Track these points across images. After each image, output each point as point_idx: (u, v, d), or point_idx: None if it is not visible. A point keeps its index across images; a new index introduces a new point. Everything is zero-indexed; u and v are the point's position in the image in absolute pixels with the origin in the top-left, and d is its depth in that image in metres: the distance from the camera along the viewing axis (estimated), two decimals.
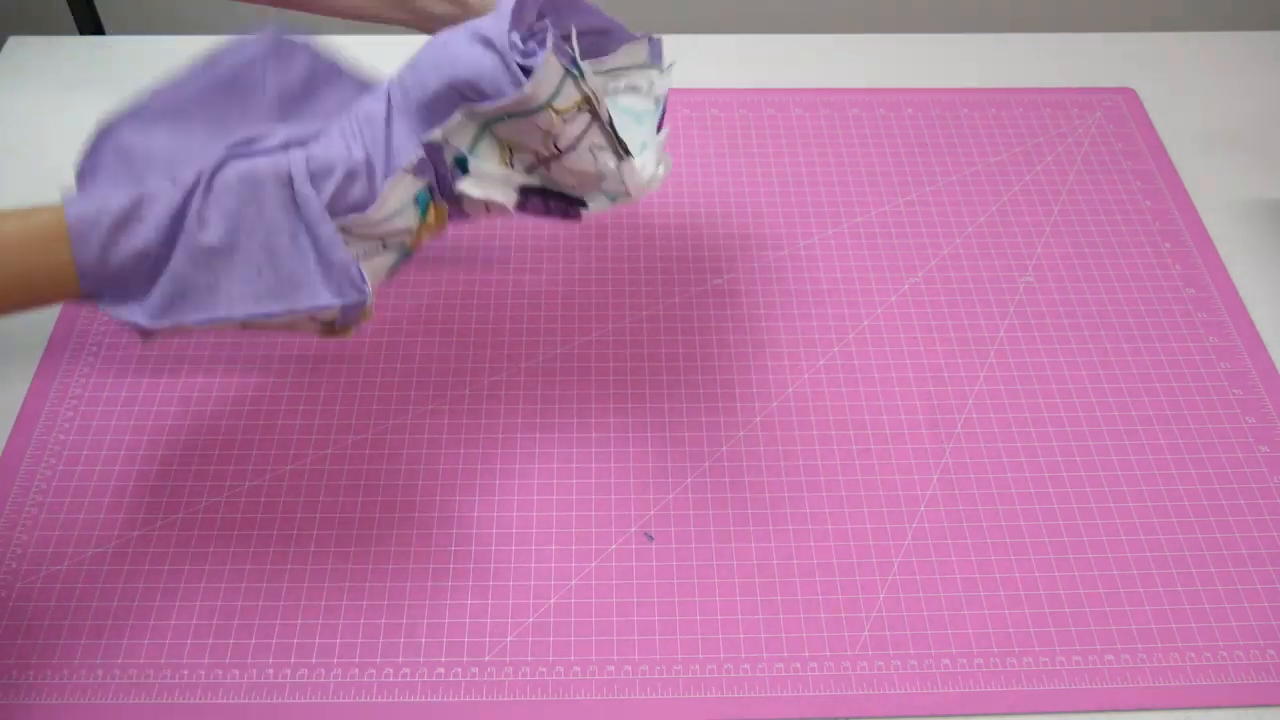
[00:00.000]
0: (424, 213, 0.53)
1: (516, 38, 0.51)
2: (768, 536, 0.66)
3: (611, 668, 0.60)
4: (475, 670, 0.60)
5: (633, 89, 0.59)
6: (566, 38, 0.55)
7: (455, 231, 0.81)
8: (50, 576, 0.63)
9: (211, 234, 0.49)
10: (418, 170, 0.51)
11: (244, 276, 0.50)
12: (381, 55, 0.98)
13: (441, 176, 0.53)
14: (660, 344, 0.75)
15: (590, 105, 0.52)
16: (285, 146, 0.51)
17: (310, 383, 0.72)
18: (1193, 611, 0.63)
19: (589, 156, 0.54)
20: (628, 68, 0.60)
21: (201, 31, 0.95)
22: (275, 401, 0.71)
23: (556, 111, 0.51)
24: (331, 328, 0.53)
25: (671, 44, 0.98)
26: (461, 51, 0.51)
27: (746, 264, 0.80)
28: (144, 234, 0.49)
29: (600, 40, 0.58)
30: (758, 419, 0.71)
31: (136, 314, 0.50)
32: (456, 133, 0.52)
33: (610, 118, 0.53)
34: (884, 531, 0.66)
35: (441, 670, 0.60)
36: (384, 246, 0.53)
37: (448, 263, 0.79)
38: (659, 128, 0.59)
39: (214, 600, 0.62)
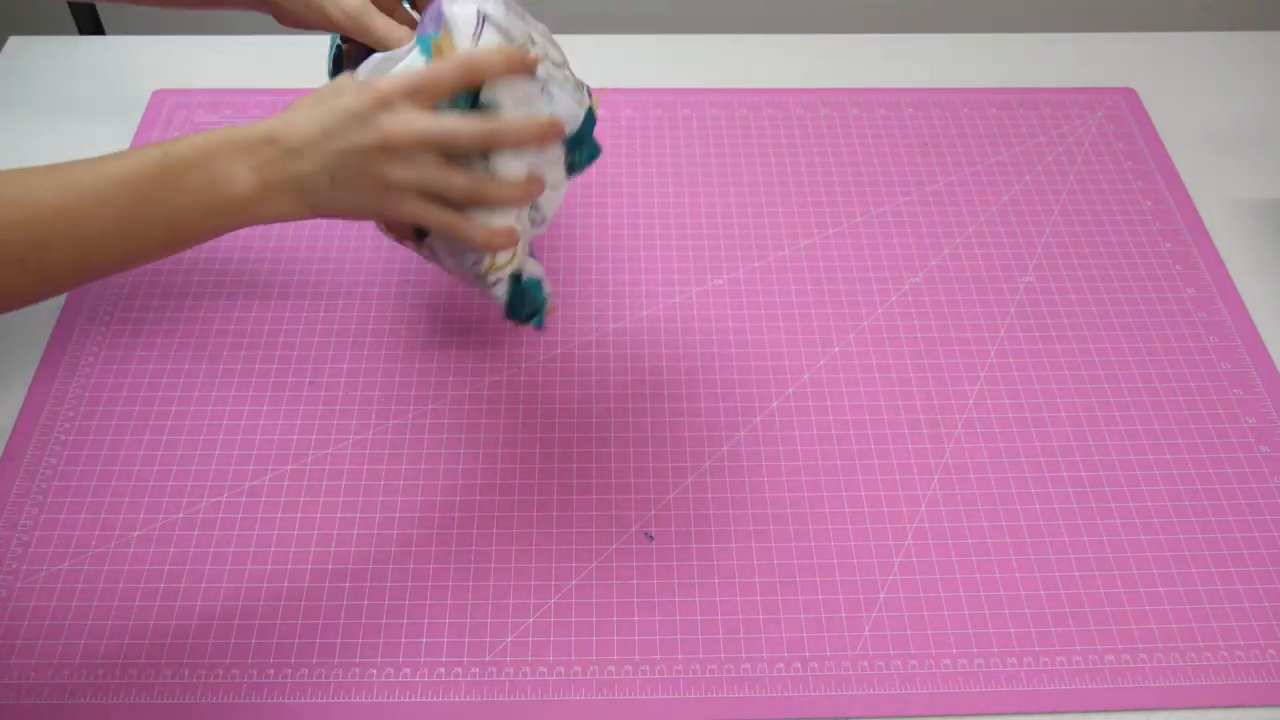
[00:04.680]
0: None
1: None
2: (768, 536, 0.66)
3: (611, 668, 0.60)
4: (475, 670, 0.60)
5: None
6: None
7: None
8: (50, 576, 0.63)
9: None
10: None
11: None
12: None
13: None
14: (660, 344, 0.75)
15: None
16: None
17: (310, 383, 0.72)
18: (1193, 611, 0.63)
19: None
20: None
21: (201, 32, 0.95)
22: (275, 402, 0.71)
23: None
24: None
25: (672, 44, 0.98)
26: None
27: (747, 264, 0.80)
28: None
29: None
30: (758, 419, 0.71)
31: None
32: None
33: None
34: (884, 531, 0.66)
35: (442, 670, 0.60)
36: None
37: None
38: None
39: (214, 600, 0.62)
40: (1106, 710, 0.59)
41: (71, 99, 0.91)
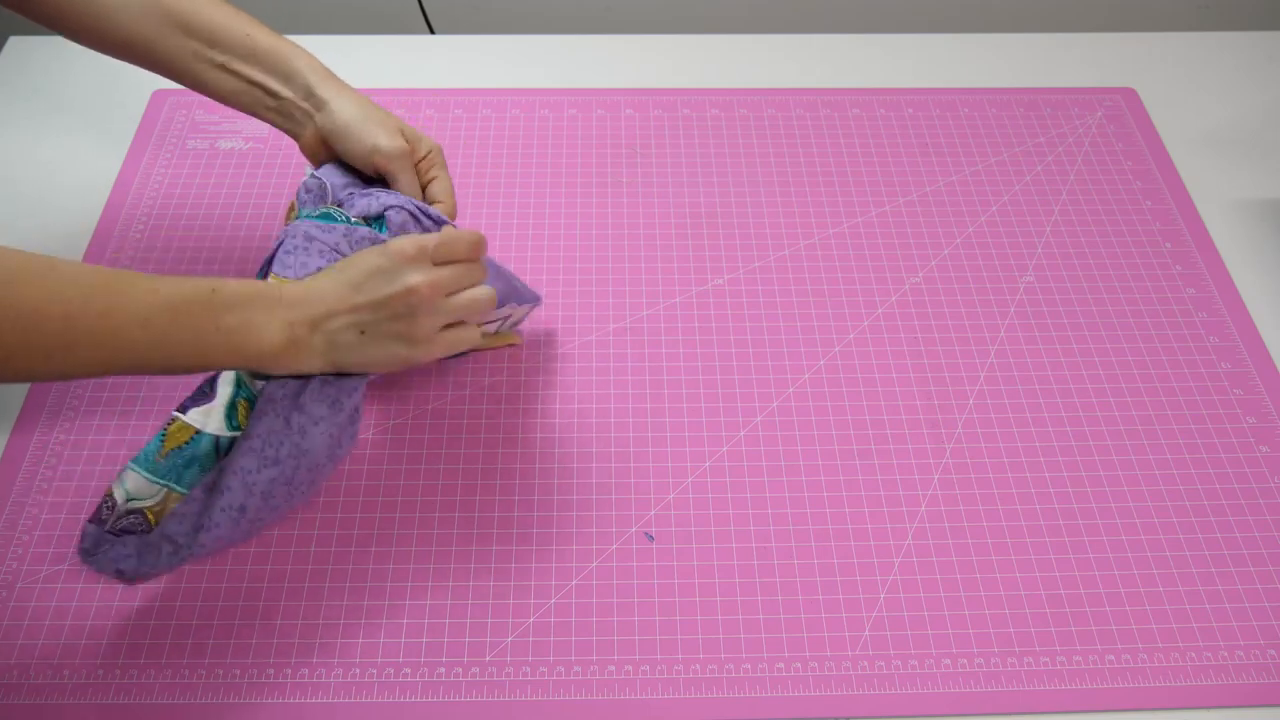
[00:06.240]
0: None
1: None
2: (768, 536, 0.66)
3: (612, 668, 0.60)
4: (475, 670, 0.60)
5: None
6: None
7: None
8: (50, 576, 0.63)
9: None
10: None
11: None
12: (378, 52, 0.98)
13: None
14: (660, 344, 0.75)
15: None
16: None
17: None
18: (1193, 611, 0.63)
19: None
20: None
21: None
22: None
23: None
24: None
25: (675, 43, 0.98)
26: None
27: (747, 264, 0.80)
28: None
29: None
30: (758, 419, 0.71)
31: None
32: None
33: None
34: (884, 531, 0.66)
35: (442, 670, 0.60)
36: None
37: None
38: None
39: (214, 600, 0.62)
40: (1106, 710, 0.59)
41: (71, 99, 0.91)
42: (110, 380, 0.72)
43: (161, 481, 0.59)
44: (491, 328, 0.70)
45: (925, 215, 0.84)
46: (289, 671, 0.60)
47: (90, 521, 0.59)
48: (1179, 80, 0.95)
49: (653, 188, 0.85)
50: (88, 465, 0.68)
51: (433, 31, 1.40)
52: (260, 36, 0.66)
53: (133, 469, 0.59)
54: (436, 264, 0.59)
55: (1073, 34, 0.99)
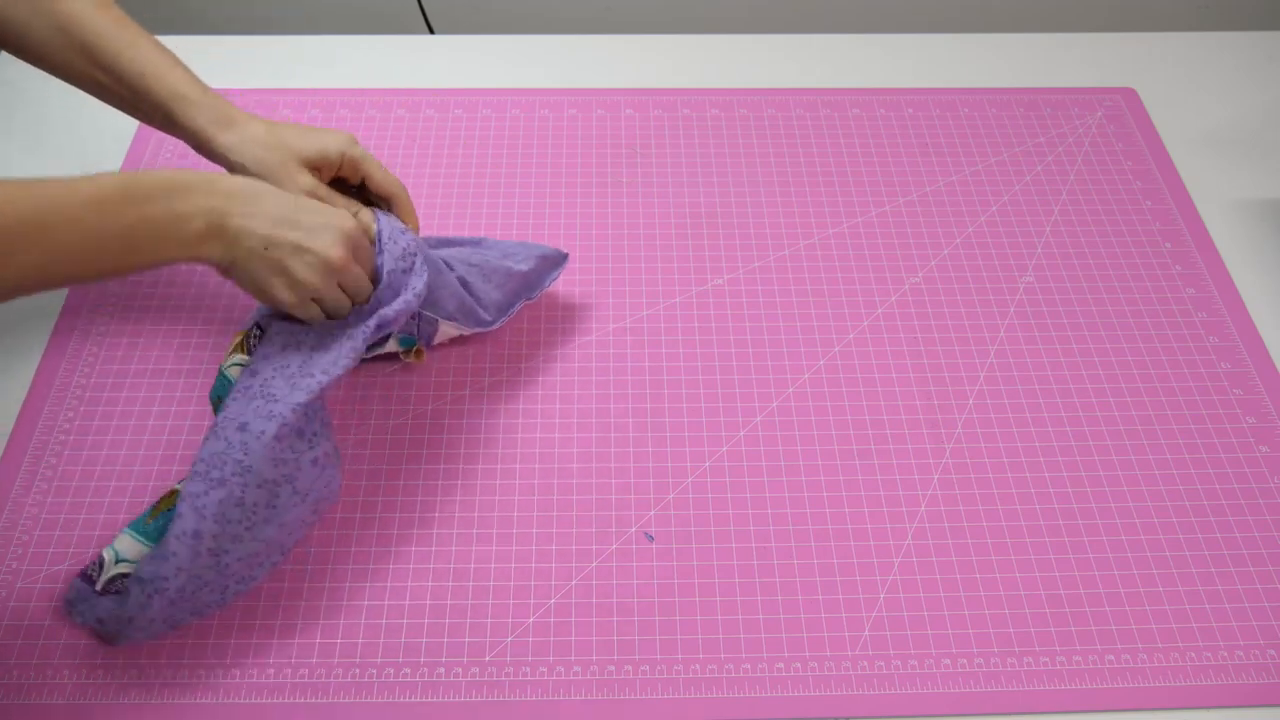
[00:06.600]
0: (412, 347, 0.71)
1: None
2: (768, 536, 0.66)
3: (612, 668, 0.60)
4: (475, 670, 0.60)
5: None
6: None
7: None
8: (51, 576, 0.63)
9: None
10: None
11: None
12: (375, 48, 0.98)
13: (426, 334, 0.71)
14: (660, 344, 0.75)
15: None
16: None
17: None
18: (1193, 611, 0.63)
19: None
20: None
21: (200, 31, 0.95)
22: None
23: None
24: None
25: (675, 43, 0.98)
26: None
27: (747, 264, 0.80)
28: None
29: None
30: (758, 419, 0.71)
31: None
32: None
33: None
34: (884, 531, 0.66)
35: (442, 670, 0.60)
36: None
37: None
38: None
39: None
40: (1106, 710, 0.59)
41: (72, 99, 0.91)
42: (112, 378, 0.72)
43: (149, 544, 0.59)
44: (454, 331, 0.71)
45: (925, 215, 0.84)
46: (289, 672, 0.60)
47: (79, 578, 0.59)
48: (1179, 80, 0.95)
49: (653, 188, 0.85)
50: (88, 465, 0.68)
51: (433, 31, 1.40)
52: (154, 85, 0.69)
53: (125, 532, 0.60)
54: (355, 257, 0.62)
55: (1073, 34, 0.99)
